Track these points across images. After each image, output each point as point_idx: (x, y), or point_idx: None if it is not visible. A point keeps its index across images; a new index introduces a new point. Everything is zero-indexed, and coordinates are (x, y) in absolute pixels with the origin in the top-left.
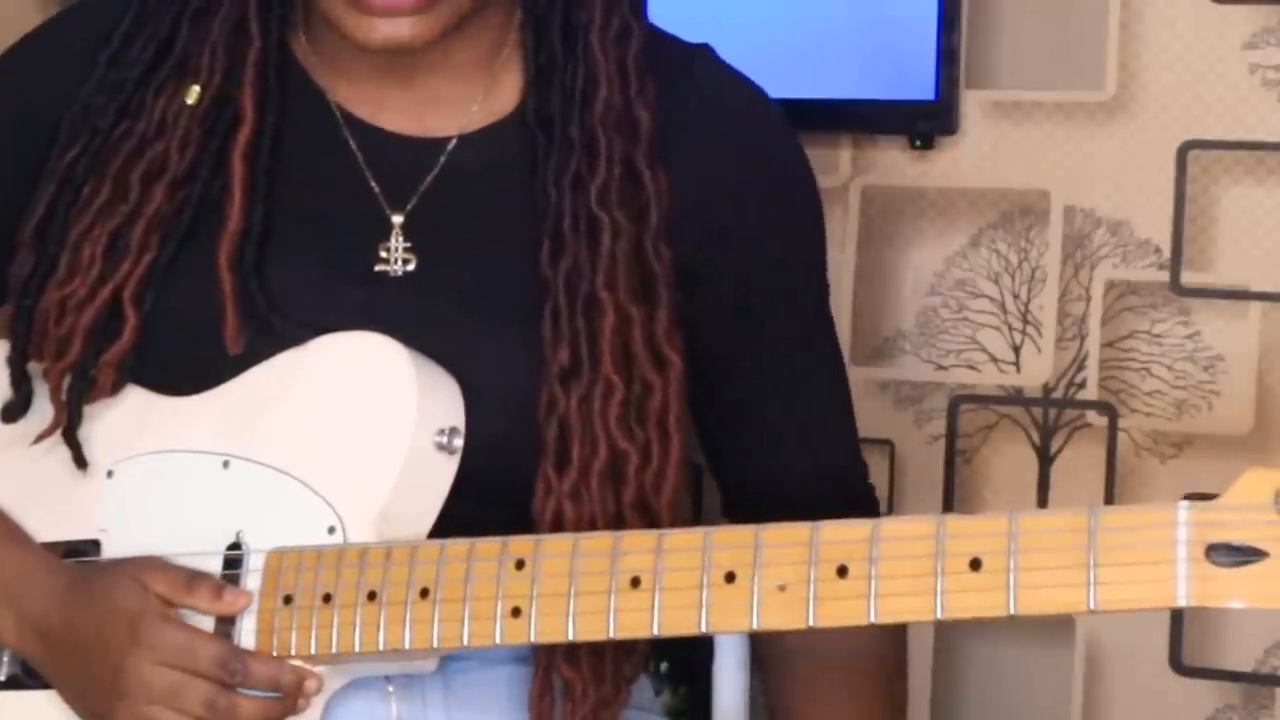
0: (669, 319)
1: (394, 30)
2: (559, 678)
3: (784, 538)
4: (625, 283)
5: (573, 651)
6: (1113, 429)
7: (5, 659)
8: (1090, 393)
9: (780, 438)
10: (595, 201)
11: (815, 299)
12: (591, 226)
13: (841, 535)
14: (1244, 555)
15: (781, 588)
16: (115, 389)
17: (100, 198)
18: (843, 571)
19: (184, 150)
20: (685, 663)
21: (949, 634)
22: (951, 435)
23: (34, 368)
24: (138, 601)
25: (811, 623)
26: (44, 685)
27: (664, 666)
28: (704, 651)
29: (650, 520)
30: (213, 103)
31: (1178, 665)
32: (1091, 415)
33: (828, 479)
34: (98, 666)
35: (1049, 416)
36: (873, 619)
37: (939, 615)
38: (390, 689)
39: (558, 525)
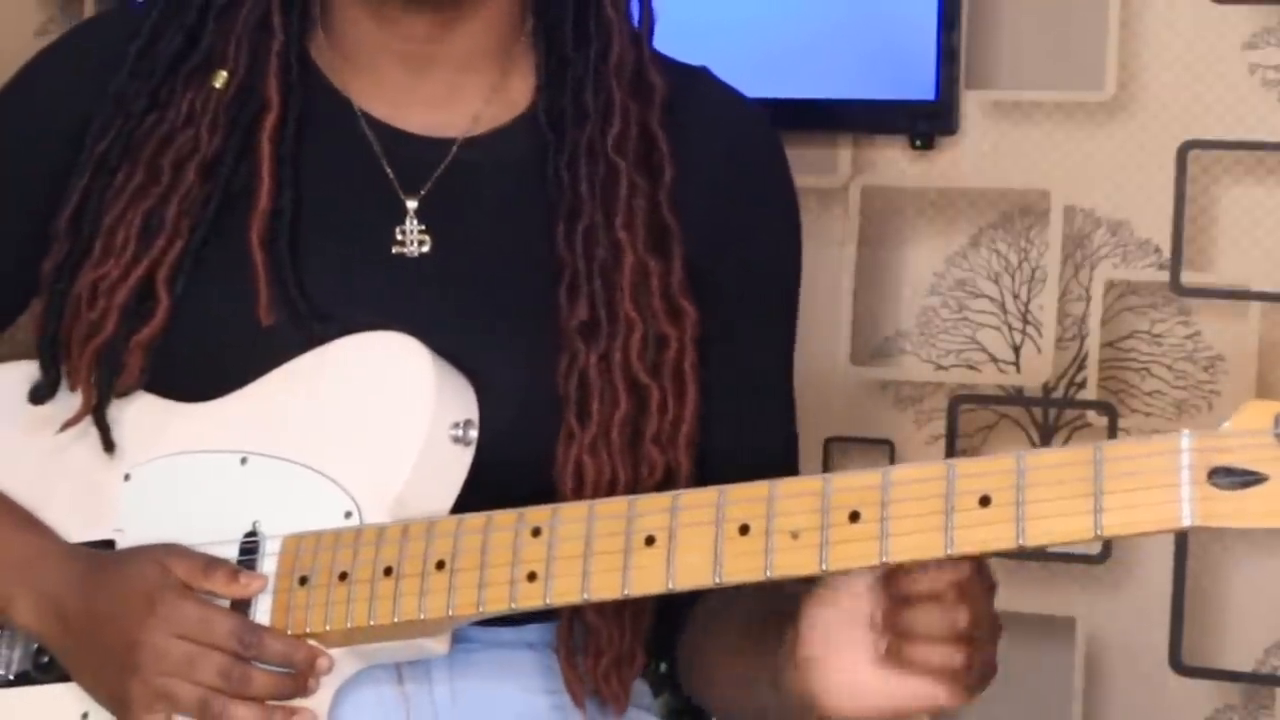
0: (683, 271)
1: None
2: (581, 624)
3: (797, 489)
4: (642, 234)
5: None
6: (1113, 429)
7: (16, 655)
8: (1090, 393)
9: (744, 429)
10: (612, 149)
11: (796, 302)
12: (608, 178)
13: (853, 483)
14: (1245, 478)
15: (794, 535)
16: (142, 377)
17: (134, 182)
18: (855, 516)
19: (212, 135)
20: None
21: None
22: (951, 435)
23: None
24: (158, 578)
25: (824, 567)
26: (55, 679)
27: (664, 667)
28: None
29: (669, 466)
30: (238, 92)
31: (1178, 665)
32: (1091, 415)
33: (781, 467)
34: (114, 641)
35: (1049, 416)
36: (885, 559)
37: (949, 550)
38: (397, 669)
39: (578, 478)
